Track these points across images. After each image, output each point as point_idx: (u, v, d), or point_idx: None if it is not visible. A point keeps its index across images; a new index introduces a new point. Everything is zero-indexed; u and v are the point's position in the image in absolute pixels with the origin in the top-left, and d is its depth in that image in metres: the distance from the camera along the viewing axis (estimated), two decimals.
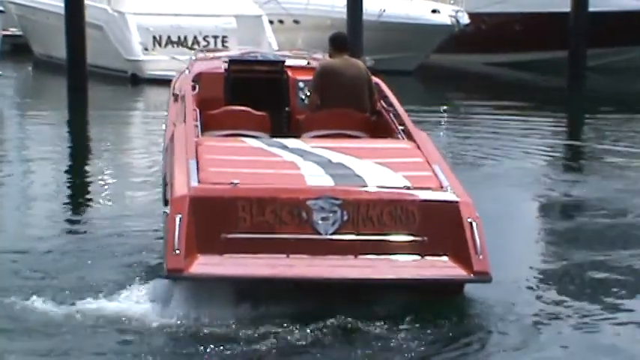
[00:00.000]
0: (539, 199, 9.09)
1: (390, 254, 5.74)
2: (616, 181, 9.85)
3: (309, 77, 7.90)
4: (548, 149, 12.08)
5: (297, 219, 5.68)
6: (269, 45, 18.18)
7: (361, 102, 7.35)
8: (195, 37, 18.39)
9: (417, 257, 5.74)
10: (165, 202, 6.93)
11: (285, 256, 5.63)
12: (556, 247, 7.43)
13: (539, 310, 5.90)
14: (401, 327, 5.45)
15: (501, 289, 5.94)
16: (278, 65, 8.25)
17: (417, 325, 5.47)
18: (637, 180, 10.05)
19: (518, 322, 5.68)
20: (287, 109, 7.89)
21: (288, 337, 5.31)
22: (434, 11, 19.94)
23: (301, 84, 7.96)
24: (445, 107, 11.35)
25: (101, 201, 8.93)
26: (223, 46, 18.23)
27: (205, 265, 5.53)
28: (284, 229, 5.68)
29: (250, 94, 7.67)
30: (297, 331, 5.36)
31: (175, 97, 7.84)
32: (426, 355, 5.25)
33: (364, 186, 5.91)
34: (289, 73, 8.12)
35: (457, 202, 5.85)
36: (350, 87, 7.30)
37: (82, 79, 15.77)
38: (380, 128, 7.32)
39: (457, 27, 19.66)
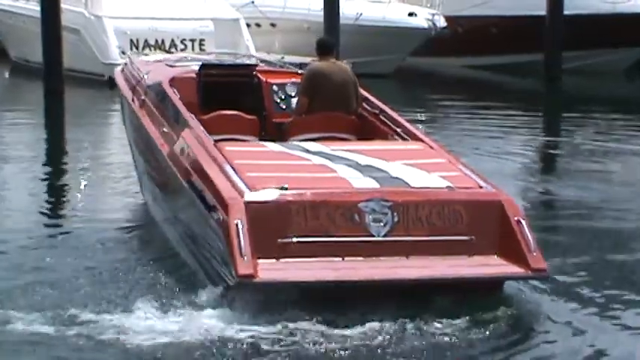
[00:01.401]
0: (516, 197, 9.14)
1: (440, 254, 5.79)
2: (592, 180, 9.96)
3: (283, 81, 8.03)
4: (526, 149, 12.19)
5: (351, 222, 5.72)
6: (246, 48, 18.18)
7: (349, 105, 7.48)
8: (172, 41, 18.33)
9: (466, 257, 5.80)
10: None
11: (340, 259, 5.66)
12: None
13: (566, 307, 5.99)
14: (455, 324, 5.50)
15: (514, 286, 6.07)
16: (249, 69, 8.30)
17: (469, 324, 5.51)
18: (611, 178, 10.17)
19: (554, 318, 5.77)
20: (264, 113, 7.89)
21: (340, 340, 5.30)
22: (411, 14, 19.98)
23: (275, 87, 8.00)
24: (423, 109, 11.42)
25: (79, 201, 8.90)
26: (201, 49, 18.20)
27: (270, 270, 5.49)
28: (338, 232, 5.70)
29: (223, 98, 7.67)
30: (348, 332, 5.36)
31: (142, 101, 7.74)
32: (481, 353, 5.29)
33: (408, 187, 5.96)
34: (262, 77, 8.14)
35: (500, 200, 5.95)
36: (338, 90, 7.41)
37: (59, 82, 15.71)
38: (366, 130, 7.42)
39: (434, 30, 19.72)
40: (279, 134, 7.52)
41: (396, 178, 6.08)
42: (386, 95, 8.03)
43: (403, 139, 7.13)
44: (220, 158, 6.19)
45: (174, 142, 6.85)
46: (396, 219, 5.76)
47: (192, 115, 6.98)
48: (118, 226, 7.71)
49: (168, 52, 17.79)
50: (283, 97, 7.98)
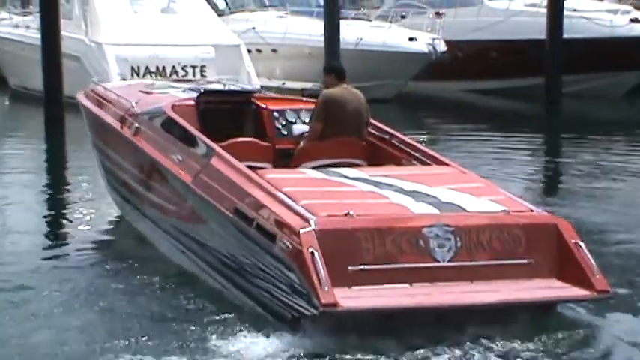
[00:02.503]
0: None
1: (502, 278, 5.84)
2: (592, 201, 9.93)
3: (284, 107, 8.01)
4: (528, 173, 12.18)
5: (416, 247, 5.74)
6: (247, 74, 18.20)
7: (361, 131, 7.53)
8: (173, 67, 18.28)
9: (526, 280, 5.87)
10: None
11: (408, 285, 5.68)
12: None
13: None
14: (534, 343, 5.59)
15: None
16: (248, 95, 8.28)
17: (548, 344, 5.60)
18: (612, 200, 10.14)
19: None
20: (266, 139, 7.83)
21: None
22: (411, 39, 20.07)
23: (276, 114, 7.97)
24: (425, 133, 11.47)
25: (81, 227, 8.83)
26: (202, 75, 18.21)
27: (349, 298, 5.46)
28: (405, 258, 5.71)
29: (223, 125, 7.64)
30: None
31: (136, 129, 7.64)
32: None
33: (467, 212, 6.01)
34: (262, 103, 8.11)
35: (556, 224, 6.05)
36: (353, 116, 7.45)
37: (59, 109, 15.71)
38: (376, 155, 7.44)
39: (434, 55, 19.80)
40: (283, 161, 7.47)
41: (449, 203, 6.12)
42: (387, 119, 8.03)
43: (423, 163, 7.14)
44: (268, 186, 6.14)
45: (196, 171, 6.73)
46: (459, 244, 5.80)
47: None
48: (123, 255, 7.63)
49: (169, 78, 17.83)
50: (284, 123, 7.95)
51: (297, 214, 5.79)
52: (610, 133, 16.09)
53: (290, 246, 5.60)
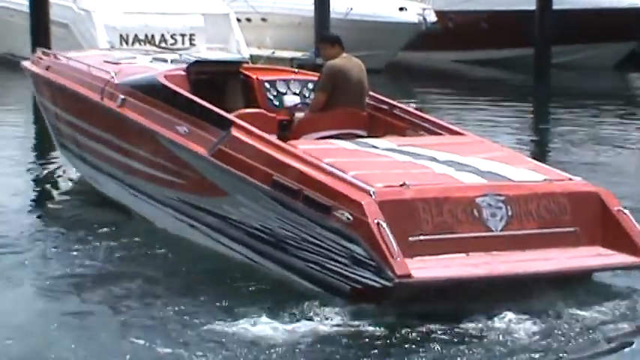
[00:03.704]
0: None
1: (550, 247, 5.88)
2: (581, 172, 9.98)
3: (274, 77, 7.93)
4: (515, 142, 12.21)
5: (471, 217, 5.76)
6: (237, 43, 18.15)
7: (363, 101, 7.51)
8: (162, 36, 18.17)
9: (573, 248, 5.92)
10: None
11: (465, 254, 5.68)
12: None
13: None
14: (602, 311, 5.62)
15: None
16: (236, 66, 8.22)
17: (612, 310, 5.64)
18: (600, 170, 10.20)
19: None
20: (260, 110, 7.73)
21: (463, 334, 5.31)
22: (401, 9, 20.02)
23: (267, 84, 7.90)
24: (414, 102, 11.51)
25: (68, 200, 8.83)
26: (191, 44, 18.16)
27: (419, 269, 5.43)
28: (460, 227, 5.73)
29: (215, 95, 7.54)
30: (484, 325, 5.37)
31: (122, 100, 7.47)
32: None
33: (513, 182, 6.02)
34: (252, 74, 8.03)
35: (597, 191, 6.12)
36: (356, 86, 7.41)
37: None
38: (377, 125, 7.39)
39: (424, 25, 19.76)
40: (279, 132, 7.35)
41: (491, 172, 6.12)
42: (377, 89, 8.04)
43: (432, 132, 7.11)
44: (307, 157, 6.08)
45: (212, 143, 6.58)
46: (509, 213, 5.83)
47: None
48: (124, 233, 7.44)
49: (159, 46, 17.74)
50: (275, 94, 7.89)
51: (351, 185, 5.73)
52: (598, 104, 16.12)
53: (351, 217, 5.54)
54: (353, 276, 5.59)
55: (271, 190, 6.07)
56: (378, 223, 5.44)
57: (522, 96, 17.47)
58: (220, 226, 6.66)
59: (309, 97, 7.86)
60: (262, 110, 7.47)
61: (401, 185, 5.74)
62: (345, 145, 6.65)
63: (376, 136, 7.15)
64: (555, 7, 19.10)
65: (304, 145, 6.45)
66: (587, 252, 5.91)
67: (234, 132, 6.54)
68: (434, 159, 6.32)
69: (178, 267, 6.58)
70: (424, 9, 20.12)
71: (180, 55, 9.65)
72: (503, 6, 20.93)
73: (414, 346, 5.20)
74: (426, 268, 5.48)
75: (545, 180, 6.12)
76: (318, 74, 7.83)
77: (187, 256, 6.80)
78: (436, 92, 17.99)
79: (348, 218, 5.56)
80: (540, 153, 11.86)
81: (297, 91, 7.89)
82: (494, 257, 5.71)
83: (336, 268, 5.71)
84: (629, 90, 19.94)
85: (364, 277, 5.52)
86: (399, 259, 5.37)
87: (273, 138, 6.50)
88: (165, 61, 8.57)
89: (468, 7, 21.27)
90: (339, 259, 5.67)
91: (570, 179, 6.25)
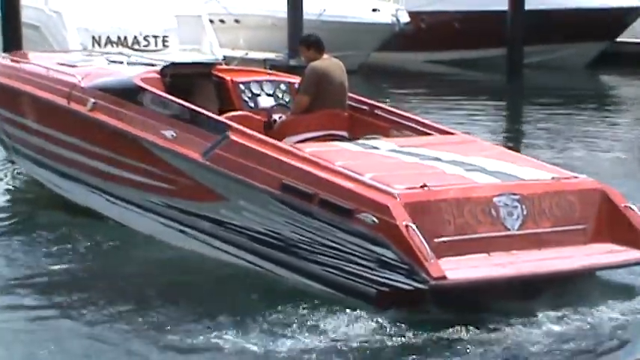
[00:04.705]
0: None
1: (563, 245, 5.93)
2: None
3: (248, 79, 7.91)
4: (490, 139, 12.33)
5: (489, 217, 5.79)
6: (210, 44, 18.13)
7: (344, 102, 7.53)
8: (135, 37, 18.13)
9: (584, 245, 5.98)
10: None
11: (486, 254, 5.70)
12: None
13: None
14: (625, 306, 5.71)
15: None
16: (209, 68, 8.21)
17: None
18: (571, 167, 10.33)
19: None
20: (246, 112, 7.70)
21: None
22: (374, 10, 20.07)
23: (242, 86, 7.88)
24: (388, 102, 11.62)
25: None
26: (164, 45, 18.14)
27: (449, 270, 5.43)
28: (481, 228, 5.75)
29: (191, 98, 7.49)
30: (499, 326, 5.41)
31: (93, 104, 7.37)
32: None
33: (524, 181, 6.06)
34: (226, 75, 8.00)
35: (603, 189, 6.19)
36: (338, 88, 7.44)
37: None
38: (358, 126, 7.39)
39: (397, 26, 19.83)
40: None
41: (499, 172, 6.14)
42: (352, 90, 8.09)
43: (419, 132, 7.12)
44: (318, 160, 6.04)
45: (206, 147, 6.48)
46: (524, 212, 5.86)
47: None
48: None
49: (132, 48, 17.69)
50: (250, 95, 7.88)
51: (372, 187, 5.69)
52: (570, 102, 16.31)
53: (377, 220, 5.51)
54: (380, 279, 5.57)
55: (281, 193, 5.99)
56: (407, 226, 5.42)
57: (495, 95, 17.64)
58: (216, 231, 6.56)
59: (282, 97, 7.87)
60: (248, 113, 7.43)
61: (421, 187, 5.73)
62: (348, 147, 6.62)
63: (356, 138, 7.13)
64: (527, 7, 19.25)
65: (312, 149, 6.40)
66: (601, 249, 5.95)
67: (233, 136, 6.46)
68: (438, 159, 6.32)
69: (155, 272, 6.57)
70: (397, 10, 20.20)
71: (134, 57, 9.51)
72: (475, 6, 21.05)
73: (428, 350, 5.21)
74: (456, 269, 5.48)
75: (553, 178, 6.15)
76: (290, 75, 7.89)
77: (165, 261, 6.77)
78: (410, 92, 18.08)
79: (374, 221, 5.53)
80: (515, 150, 11.99)
81: (271, 92, 7.89)
82: (515, 256, 5.73)
83: (358, 272, 5.66)
84: (599, 89, 20.13)
85: (393, 280, 5.50)
86: (432, 261, 5.36)
87: (275, 141, 6.45)
88: (122, 62, 8.50)
89: (441, 7, 21.37)
90: (363, 262, 5.62)
91: (575, 177, 6.29)
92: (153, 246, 7.05)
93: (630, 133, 13.54)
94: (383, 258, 5.50)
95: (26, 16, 16.70)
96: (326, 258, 5.82)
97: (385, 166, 6.17)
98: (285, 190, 5.98)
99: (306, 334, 5.32)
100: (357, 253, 5.64)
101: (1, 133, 9.11)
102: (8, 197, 9.07)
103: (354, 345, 5.23)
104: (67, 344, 5.30)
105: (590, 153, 11.50)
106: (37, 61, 8.61)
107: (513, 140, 12.80)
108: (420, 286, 5.36)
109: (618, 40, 20.96)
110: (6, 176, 9.63)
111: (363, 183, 5.75)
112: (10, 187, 9.34)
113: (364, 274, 5.64)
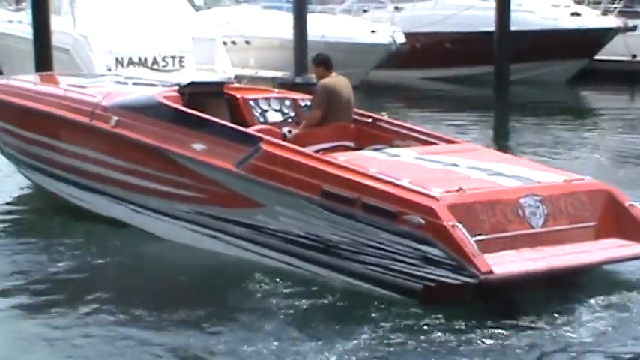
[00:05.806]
0: None
1: (579, 241, 6.29)
2: None
3: (257, 95, 8.26)
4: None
5: (517, 217, 6.13)
6: (223, 64, 18.87)
7: (351, 115, 8.03)
8: (154, 58, 18.82)
9: (595, 241, 6.35)
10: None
11: (515, 250, 6.02)
12: None
13: None
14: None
15: None
16: (221, 86, 8.50)
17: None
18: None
19: None
20: (248, 127, 7.85)
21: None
22: (373, 32, 21.00)
23: (252, 103, 8.19)
24: (384, 114, 12.83)
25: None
26: (181, 65, 18.79)
27: (496, 265, 5.70)
28: (510, 226, 6.09)
29: (204, 113, 7.59)
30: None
31: (117, 122, 7.49)
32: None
33: (540, 183, 6.43)
34: (237, 93, 8.28)
35: (609, 189, 6.62)
36: (346, 103, 7.91)
37: None
38: (363, 137, 7.80)
39: (394, 46, 20.71)
40: None
41: (518, 176, 6.48)
42: (355, 104, 8.45)
43: (424, 142, 7.44)
44: (355, 167, 6.28)
45: (239, 158, 6.67)
46: (545, 211, 6.23)
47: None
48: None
49: (151, 68, 18.68)
50: (260, 111, 8.19)
51: (413, 191, 5.97)
52: (553, 114, 17.07)
53: (424, 222, 5.79)
54: (426, 275, 5.88)
55: (322, 200, 6.25)
56: (453, 225, 5.73)
57: (485, 109, 18.22)
58: (252, 235, 6.79)
59: (287, 113, 8.30)
60: (269, 126, 7.77)
61: (457, 190, 6.05)
62: (375, 156, 6.91)
63: (361, 148, 7.49)
64: (513, 28, 20.09)
65: (344, 157, 6.70)
66: (611, 244, 6.29)
67: (265, 147, 6.73)
68: (457, 165, 6.65)
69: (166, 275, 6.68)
70: (394, 31, 21.08)
71: (135, 78, 9.72)
72: (465, 28, 21.85)
73: (461, 346, 5.43)
74: (499, 264, 5.75)
75: (564, 181, 6.53)
76: (295, 92, 8.45)
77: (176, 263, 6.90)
78: (405, 106, 18.80)
79: (420, 222, 5.82)
80: None
81: (278, 108, 8.29)
82: (541, 252, 6.04)
83: (403, 269, 5.97)
84: (579, 103, 20.84)
85: (440, 276, 5.79)
86: (479, 256, 5.65)
87: (309, 151, 6.72)
88: (126, 83, 8.73)
89: (434, 29, 22.18)
90: (408, 260, 5.92)
91: (582, 179, 6.65)
92: (159, 246, 7.26)
93: (607, 140, 14.25)
94: (428, 255, 5.79)
95: (57, 39, 17.53)
96: (369, 257, 6.09)
97: (416, 172, 6.42)
98: (325, 196, 6.24)
99: (331, 336, 5.46)
100: (401, 252, 5.91)
101: (9, 148, 9.12)
102: (15, 203, 9.22)
103: (383, 342, 5.41)
104: (76, 345, 5.48)
105: (574, 159, 12.00)
106: (49, 82, 8.87)
107: (503, 148, 13.39)
108: (470, 280, 5.62)
109: (596, 58, 21.89)
110: (13, 180, 9.73)
111: (404, 187, 6.02)
112: (17, 194, 9.43)
113: (409, 270, 5.92)
